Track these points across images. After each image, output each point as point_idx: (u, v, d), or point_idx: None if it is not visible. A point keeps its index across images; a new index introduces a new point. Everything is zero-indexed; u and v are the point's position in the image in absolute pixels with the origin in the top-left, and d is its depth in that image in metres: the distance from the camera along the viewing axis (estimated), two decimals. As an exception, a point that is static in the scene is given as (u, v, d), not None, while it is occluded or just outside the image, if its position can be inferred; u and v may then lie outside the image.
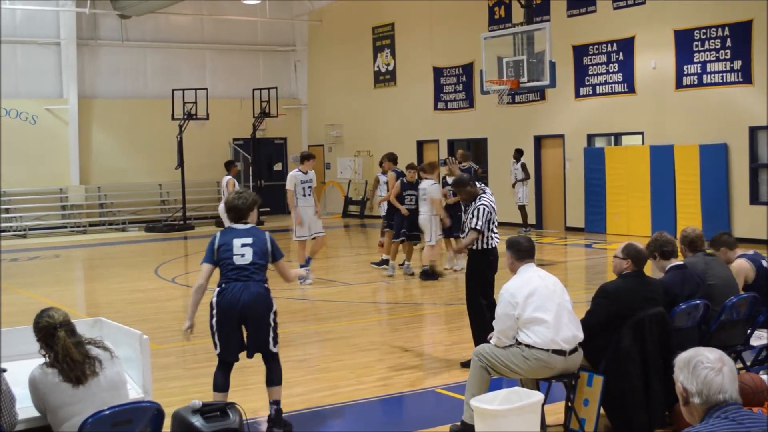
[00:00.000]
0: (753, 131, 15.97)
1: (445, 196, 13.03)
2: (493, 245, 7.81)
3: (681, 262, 6.27)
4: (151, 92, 25.28)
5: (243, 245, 6.13)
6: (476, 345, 7.70)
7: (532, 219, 19.59)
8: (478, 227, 7.68)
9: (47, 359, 4.24)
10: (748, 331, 6.59)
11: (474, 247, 7.78)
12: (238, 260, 6.09)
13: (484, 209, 7.73)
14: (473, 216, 7.75)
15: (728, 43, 16.07)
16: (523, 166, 19.18)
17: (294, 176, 12.92)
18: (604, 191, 18.46)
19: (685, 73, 16.85)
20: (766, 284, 6.80)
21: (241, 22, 26.31)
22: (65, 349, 4.20)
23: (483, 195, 7.88)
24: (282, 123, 26.52)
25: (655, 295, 5.83)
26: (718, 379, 2.94)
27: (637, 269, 5.89)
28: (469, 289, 7.98)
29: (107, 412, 4.02)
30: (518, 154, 19.26)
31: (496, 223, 7.89)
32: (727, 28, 16.07)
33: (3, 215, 22.48)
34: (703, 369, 2.97)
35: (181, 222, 22.95)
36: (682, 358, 3.05)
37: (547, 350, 5.51)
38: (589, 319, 5.81)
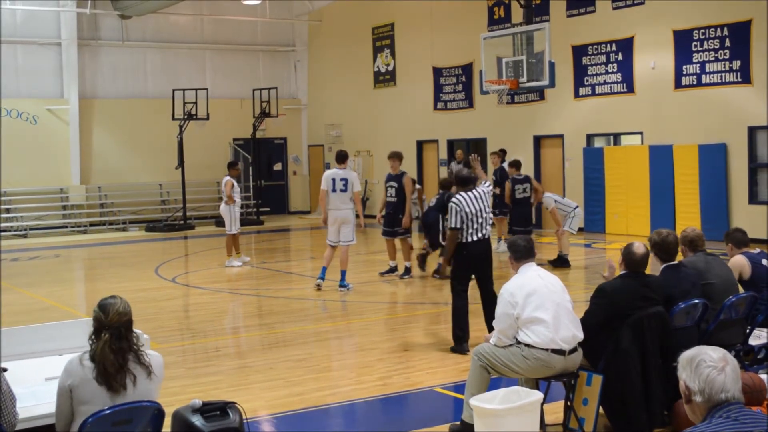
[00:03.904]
0: (752, 131, 15.98)
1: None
2: (469, 240, 8.21)
3: (676, 262, 6.27)
4: (152, 92, 25.29)
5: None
6: (453, 340, 8.41)
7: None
8: (452, 226, 8.20)
9: (90, 351, 4.19)
10: (747, 330, 6.61)
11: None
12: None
13: (451, 208, 8.24)
14: (449, 217, 8.29)
15: (727, 43, 16.08)
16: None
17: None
18: (604, 191, 18.47)
19: (684, 73, 16.86)
20: (765, 282, 6.78)
21: (241, 22, 26.32)
22: (102, 355, 4.13)
23: (459, 193, 8.33)
24: (282, 123, 26.52)
25: (653, 294, 5.82)
26: (721, 378, 2.93)
27: (630, 269, 5.87)
28: (450, 284, 8.55)
29: (107, 411, 4.02)
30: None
31: (480, 218, 8.24)
32: (726, 28, 16.09)
33: (3, 215, 22.48)
34: (705, 368, 2.96)
35: (182, 222, 22.95)
36: (685, 357, 3.04)
37: (547, 350, 5.52)
38: (588, 319, 5.81)
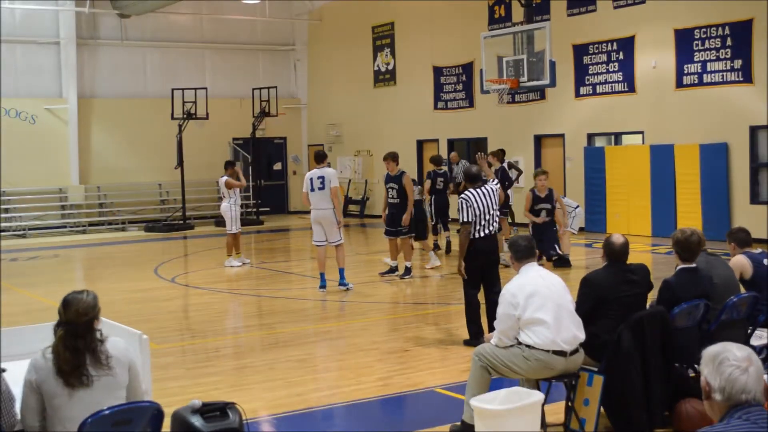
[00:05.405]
0: (753, 130, 15.95)
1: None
2: (477, 236, 8.33)
3: (693, 265, 6.23)
4: (151, 92, 25.26)
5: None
6: (469, 335, 8.54)
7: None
8: (465, 220, 8.30)
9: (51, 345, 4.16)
10: (749, 331, 6.58)
11: None
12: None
13: (462, 203, 8.36)
14: (460, 212, 8.38)
15: (728, 42, 16.05)
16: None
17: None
18: (605, 191, 18.44)
19: (686, 72, 16.83)
20: (766, 282, 6.76)
21: (240, 21, 26.29)
22: (56, 352, 4.11)
23: (468, 189, 8.46)
24: (282, 122, 26.51)
25: (636, 278, 5.97)
26: (743, 378, 2.85)
27: (611, 259, 6.01)
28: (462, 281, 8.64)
29: (107, 412, 4.01)
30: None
31: (488, 215, 8.38)
32: (727, 27, 16.06)
33: (2, 215, 22.45)
34: (728, 366, 2.88)
35: (181, 222, 22.93)
36: (709, 352, 2.96)
37: (548, 351, 5.49)
38: (577, 310, 5.82)
